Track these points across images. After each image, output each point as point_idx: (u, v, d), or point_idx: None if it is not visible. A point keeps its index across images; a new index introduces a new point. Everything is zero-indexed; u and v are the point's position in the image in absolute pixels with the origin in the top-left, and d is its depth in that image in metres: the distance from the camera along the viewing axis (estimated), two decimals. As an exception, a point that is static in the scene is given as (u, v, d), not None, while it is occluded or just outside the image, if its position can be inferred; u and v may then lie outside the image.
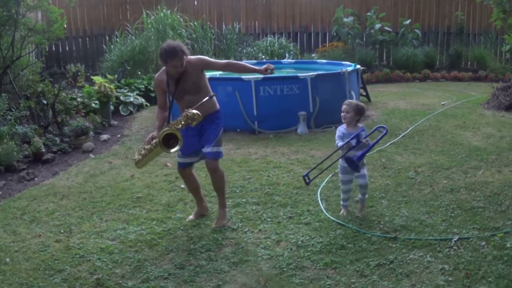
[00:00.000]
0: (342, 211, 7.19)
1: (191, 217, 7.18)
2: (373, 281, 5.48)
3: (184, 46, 6.67)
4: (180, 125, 6.36)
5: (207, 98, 6.67)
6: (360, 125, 7.10)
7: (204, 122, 6.71)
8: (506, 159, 9.32)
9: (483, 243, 6.17)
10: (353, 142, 6.85)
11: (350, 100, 7.22)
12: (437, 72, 20.62)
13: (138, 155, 6.79)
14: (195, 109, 6.45)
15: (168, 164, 9.00)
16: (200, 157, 7.03)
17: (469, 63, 21.90)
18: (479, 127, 11.74)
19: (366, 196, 7.25)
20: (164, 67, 6.74)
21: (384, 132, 7.10)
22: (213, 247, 6.35)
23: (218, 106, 7.04)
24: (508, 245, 6.06)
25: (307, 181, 6.98)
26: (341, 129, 7.04)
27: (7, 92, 12.55)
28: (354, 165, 6.74)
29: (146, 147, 6.65)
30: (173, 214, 7.32)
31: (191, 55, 6.79)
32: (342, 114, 7.02)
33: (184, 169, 7.06)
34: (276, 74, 15.10)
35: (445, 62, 22.33)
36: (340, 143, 6.88)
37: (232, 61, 7.19)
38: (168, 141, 6.36)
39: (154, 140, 6.54)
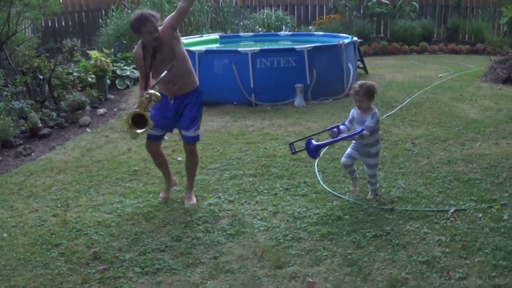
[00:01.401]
0: (352, 187, 7.01)
1: (162, 195, 7.11)
2: (369, 252, 5.50)
3: (154, 11, 6.61)
4: (145, 107, 6.33)
5: (165, 72, 6.42)
6: (373, 108, 6.58)
7: (184, 99, 6.72)
8: (503, 132, 9.32)
9: (480, 215, 6.20)
10: (357, 129, 6.47)
11: (357, 87, 6.53)
12: (434, 45, 20.54)
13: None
14: (155, 84, 6.45)
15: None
16: (170, 131, 7.06)
17: (466, 36, 21.80)
18: (476, 100, 11.73)
19: (376, 187, 6.86)
20: (139, 41, 6.67)
21: (359, 130, 6.43)
22: (209, 219, 6.37)
23: (197, 82, 6.96)
24: (505, 217, 6.09)
25: (293, 150, 6.69)
26: (353, 112, 6.62)
27: (3, 68, 12.50)
28: (309, 151, 6.42)
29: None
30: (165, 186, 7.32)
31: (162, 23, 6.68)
32: (356, 103, 6.53)
33: (155, 142, 6.94)
34: (273, 46, 15.21)
35: (442, 35, 22.25)
36: (343, 135, 6.49)
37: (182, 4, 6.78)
38: (138, 122, 6.30)
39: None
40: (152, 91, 6.33)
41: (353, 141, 6.67)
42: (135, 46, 6.86)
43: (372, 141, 6.57)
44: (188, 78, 6.76)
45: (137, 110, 6.28)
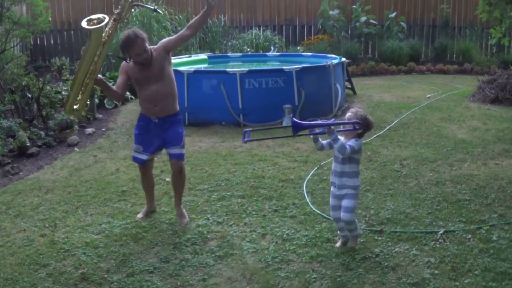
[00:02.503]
0: (338, 242, 6.19)
1: (139, 215, 7.11)
2: (359, 274, 5.49)
3: (142, 31, 6.63)
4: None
5: None
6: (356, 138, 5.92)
7: (167, 124, 6.78)
8: (492, 152, 9.35)
9: (469, 236, 6.20)
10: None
11: (358, 109, 6.02)
12: (422, 65, 20.60)
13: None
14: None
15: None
16: (158, 153, 7.12)
17: (454, 56, 21.88)
18: (465, 120, 11.76)
19: (356, 233, 6.07)
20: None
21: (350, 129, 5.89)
22: (198, 240, 6.35)
23: (178, 108, 6.99)
24: (494, 238, 6.10)
25: (245, 138, 6.09)
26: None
27: (-8, 86, 12.48)
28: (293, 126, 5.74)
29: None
30: (158, 208, 7.30)
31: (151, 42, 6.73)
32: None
33: (146, 165, 7.01)
34: (262, 66, 15.24)
35: (430, 55, 22.33)
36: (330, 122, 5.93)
37: (185, 32, 6.84)
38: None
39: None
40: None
41: (331, 188, 6.05)
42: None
43: (350, 170, 5.88)
44: (170, 101, 6.82)
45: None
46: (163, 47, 6.71)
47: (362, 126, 5.88)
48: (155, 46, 6.70)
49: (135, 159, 7.00)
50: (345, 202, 5.85)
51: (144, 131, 6.87)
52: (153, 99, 6.68)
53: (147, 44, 6.51)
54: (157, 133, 6.79)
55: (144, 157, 6.90)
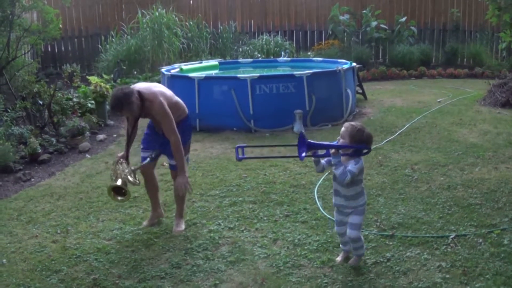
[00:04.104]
0: (339, 256, 5.99)
1: (145, 223, 7.10)
2: (370, 279, 5.49)
3: (132, 92, 6.48)
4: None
5: (147, 160, 6.91)
6: (356, 159, 5.55)
7: None
8: (503, 156, 9.32)
9: (480, 240, 6.18)
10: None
11: (353, 123, 5.63)
12: (433, 69, 20.54)
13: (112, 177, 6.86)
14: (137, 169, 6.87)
15: (164, 163, 8.97)
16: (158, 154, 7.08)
17: (465, 60, 21.83)
18: (476, 124, 11.74)
19: (361, 252, 5.82)
20: None
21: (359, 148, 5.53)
22: (209, 246, 6.35)
23: (186, 111, 7.02)
24: (505, 242, 6.07)
25: (239, 156, 5.86)
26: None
27: (3, 93, 12.52)
28: (300, 143, 5.38)
29: (117, 172, 6.76)
30: (170, 214, 7.29)
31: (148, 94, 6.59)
32: (338, 137, 5.62)
33: (148, 165, 6.98)
34: (272, 72, 15.25)
35: (441, 59, 22.30)
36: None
37: (176, 142, 6.58)
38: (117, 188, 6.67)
39: (121, 166, 6.76)
40: (123, 167, 6.72)
41: (333, 201, 5.81)
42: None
43: (353, 193, 5.62)
44: (177, 113, 6.84)
45: (115, 184, 6.59)
46: (159, 118, 6.61)
47: (353, 141, 5.47)
48: (154, 104, 6.55)
49: (141, 158, 7.04)
50: (352, 219, 5.66)
51: (150, 132, 6.97)
52: (155, 125, 6.85)
53: (135, 105, 6.45)
54: (161, 141, 6.80)
55: (145, 154, 6.95)
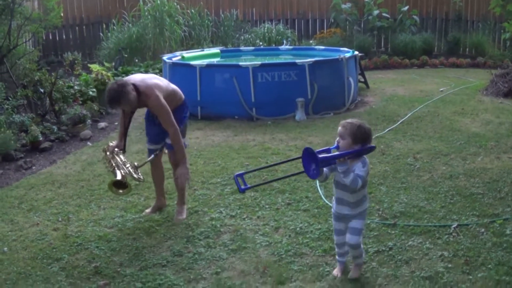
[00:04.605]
0: (335, 270, 5.51)
1: (147, 210, 7.09)
2: (372, 267, 5.48)
3: (127, 83, 6.40)
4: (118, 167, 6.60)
5: (152, 156, 6.94)
6: (362, 161, 5.15)
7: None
8: (505, 146, 9.30)
9: (483, 229, 6.18)
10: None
11: (350, 121, 5.14)
12: (435, 58, 20.52)
13: (108, 167, 6.82)
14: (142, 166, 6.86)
15: (165, 151, 8.97)
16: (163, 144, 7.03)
17: (467, 49, 21.80)
18: (478, 114, 11.72)
19: (360, 261, 5.42)
20: None
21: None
22: (211, 234, 6.35)
23: (183, 97, 6.97)
24: (508, 232, 6.06)
25: (242, 187, 5.31)
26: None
27: (4, 81, 12.50)
28: (308, 158, 4.93)
29: (113, 161, 6.72)
30: (171, 202, 7.28)
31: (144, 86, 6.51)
32: (337, 139, 5.16)
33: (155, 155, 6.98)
34: (274, 60, 15.22)
35: (443, 48, 22.27)
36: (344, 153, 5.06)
37: (176, 134, 6.56)
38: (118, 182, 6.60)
39: (118, 157, 6.74)
40: (121, 159, 6.71)
41: (332, 209, 5.49)
42: None
43: (359, 198, 5.22)
44: (174, 101, 6.81)
45: (116, 178, 6.51)
46: (156, 112, 6.60)
47: (356, 140, 5.05)
48: (151, 99, 6.49)
49: (148, 150, 7.05)
50: (353, 223, 5.24)
51: (149, 126, 6.96)
52: (153, 115, 6.82)
53: (131, 98, 6.37)
54: (158, 128, 6.77)
55: (151, 147, 6.97)
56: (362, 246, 5.33)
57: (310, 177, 5.04)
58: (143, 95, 6.46)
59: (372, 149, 5.24)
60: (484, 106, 12.46)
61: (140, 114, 8.27)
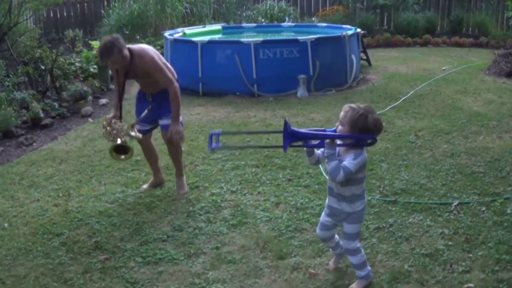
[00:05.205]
0: (331, 261, 5.17)
1: (145, 186, 7.08)
2: (372, 244, 5.48)
3: (121, 39, 6.36)
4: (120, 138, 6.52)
5: (145, 112, 6.69)
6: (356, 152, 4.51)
7: (163, 97, 6.64)
8: (507, 125, 9.27)
9: (483, 208, 6.17)
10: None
11: (353, 106, 4.49)
12: (438, 37, 20.46)
13: (109, 138, 6.70)
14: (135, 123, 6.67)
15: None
16: (158, 123, 6.93)
17: (470, 29, 21.73)
18: (480, 93, 11.68)
19: (363, 273, 4.77)
20: None
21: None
22: (212, 209, 6.37)
23: (176, 76, 6.84)
24: (508, 211, 6.06)
25: (212, 145, 4.82)
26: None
27: (5, 59, 12.51)
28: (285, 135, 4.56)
29: (112, 133, 6.59)
30: (172, 177, 7.25)
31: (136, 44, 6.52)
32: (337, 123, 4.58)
33: (144, 136, 6.88)
34: (276, 37, 15.19)
35: (446, 27, 22.18)
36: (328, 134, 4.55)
37: (176, 91, 6.55)
38: (120, 149, 6.56)
39: (116, 125, 6.59)
40: (119, 126, 6.53)
41: (326, 201, 4.88)
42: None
43: (348, 194, 4.63)
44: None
45: (116, 143, 6.48)
46: (151, 71, 6.48)
47: (361, 130, 4.44)
48: (144, 57, 6.45)
49: (138, 130, 6.89)
50: (346, 228, 4.72)
51: (140, 105, 6.86)
52: (144, 87, 6.77)
53: (124, 53, 6.31)
54: (150, 102, 6.71)
55: (139, 127, 6.82)
56: (362, 251, 4.79)
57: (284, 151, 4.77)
58: (137, 56, 6.42)
59: (366, 140, 4.53)
60: (486, 86, 12.42)
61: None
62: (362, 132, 4.40)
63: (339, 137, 4.51)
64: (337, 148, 4.54)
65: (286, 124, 4.53)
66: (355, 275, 4.84)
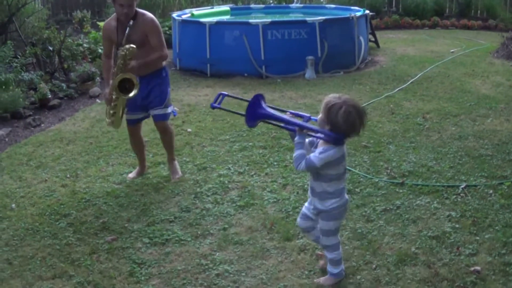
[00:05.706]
0: (322, 260, 4.89)
1: (131, 175, 6.96)
2: (379, 226, 5.47)
3: None
4: (122, 66, 6.23)
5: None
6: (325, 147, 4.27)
7: (150, 81, 6.53)
8: (515, 108, 9.26)
9: (491, 191, 6.16)
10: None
11: (331, 96, 4.25)
12: (446, 20, 20.39)
13: (109, 118, 6.62)
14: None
15: (175, 108, 8.96)
16: (149, 113, 6.79)
17: (478, 11, 21.61)
18: (488, 76, 11.64)
19: (336, 270, 4.59)
20: (114, 13, 6.48)
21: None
22: (219, 190, 6.37)
23: (163, 63, 6.75)
24: (516, 194, 6.05)
25: (214, 103, 5.01)
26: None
27: (13, 40, 12.50)
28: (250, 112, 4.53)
29: (112, 105, 6.47)
30: (180, 158, 7.28)
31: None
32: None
33: (134, 125, 6.83)
34: (284, 18, 15.15)
35: (454, 10, 22.06)
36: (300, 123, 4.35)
37: (163, 56, 6.54)
38: (123, 87, 6.27)
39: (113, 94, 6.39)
40: (128, 46, 6.18)
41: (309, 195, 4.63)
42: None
43: (319, 190, 4.41)
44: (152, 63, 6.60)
45: (121, 75, 6.21)
46: (149, 31, 6.43)
47: (331, 123, 4.19)
48: (147, 17, 6.47)
49: (126, 120, 6.79)
50: (320, 223, 4.55)
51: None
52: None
53: (134, 2, 6.31)
54: (140, 95, 6.46)
55: (128, 117, 6.72)
56: (340, 249, 4.60)
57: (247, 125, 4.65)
58: (140, 15, 6.40)
59: (329, 137, 4.25)
60: (494, 69, 12.38)
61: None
62: (332, 124, 4.15)
63: (301, 126, 4.30)
64: (304, 138, 4.35)
65: (256, 99, 4.45)
66: (327, 270, 4.67)
